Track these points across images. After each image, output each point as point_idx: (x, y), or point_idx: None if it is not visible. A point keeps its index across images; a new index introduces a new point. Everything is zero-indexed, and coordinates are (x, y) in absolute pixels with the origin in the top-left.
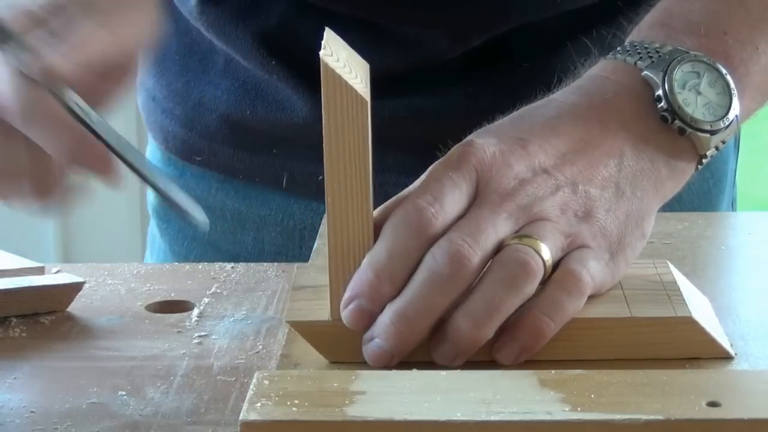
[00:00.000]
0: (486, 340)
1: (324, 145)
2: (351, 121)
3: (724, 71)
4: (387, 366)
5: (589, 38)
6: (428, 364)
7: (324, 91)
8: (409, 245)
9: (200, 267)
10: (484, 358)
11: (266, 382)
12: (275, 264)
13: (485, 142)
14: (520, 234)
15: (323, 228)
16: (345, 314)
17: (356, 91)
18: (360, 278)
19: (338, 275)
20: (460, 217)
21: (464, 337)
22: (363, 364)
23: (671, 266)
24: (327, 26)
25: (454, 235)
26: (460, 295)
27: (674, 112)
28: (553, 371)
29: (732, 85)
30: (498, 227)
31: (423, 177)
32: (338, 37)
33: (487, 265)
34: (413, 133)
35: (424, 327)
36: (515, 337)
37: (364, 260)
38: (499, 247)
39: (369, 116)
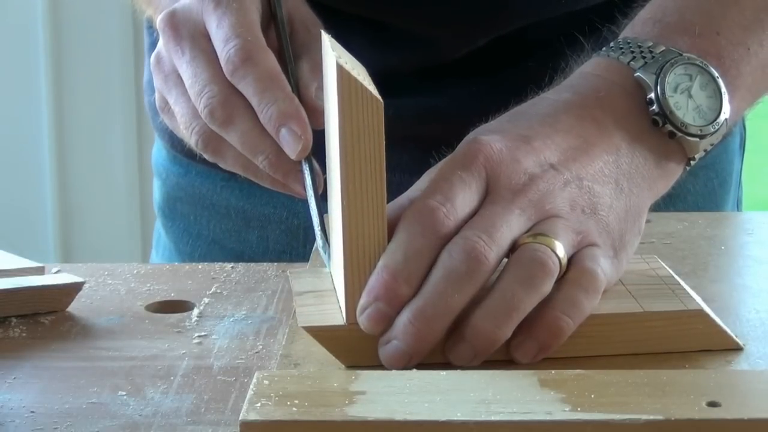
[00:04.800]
0: (504, 340)
1: (340, 148)
2: (367, 123)
3: (716, 74)
4: (405, 368)
5: (593, 37)
6: (440, 365)
7: (340, 95)
8: (424, 246)
9: (200, 267)
10: (499, 358)
11: (266, 382)
12: (275, 264)
13: (490, 139)
14: (535, 232)
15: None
16: (363, 319)
17: (371, 93)
18: (377, 281)
19: (354, 278)
20: (472, 216)
21: (483, 337)
22: (381, 368)
23: (659, 260)
24: (333, 25)
25: (469, 233)
26: (477, 292)
27: (665, 116)
28: (553, 371)
29: (723, 89)
30: (512, 224)
31: (430, 176)
32: (336, 42)
33: (504, 265)
34: (417, 132)
35: (443, 325)
36: (533, 336)
37: (379, 263)
38: (514, 245)
39: (383, 118)
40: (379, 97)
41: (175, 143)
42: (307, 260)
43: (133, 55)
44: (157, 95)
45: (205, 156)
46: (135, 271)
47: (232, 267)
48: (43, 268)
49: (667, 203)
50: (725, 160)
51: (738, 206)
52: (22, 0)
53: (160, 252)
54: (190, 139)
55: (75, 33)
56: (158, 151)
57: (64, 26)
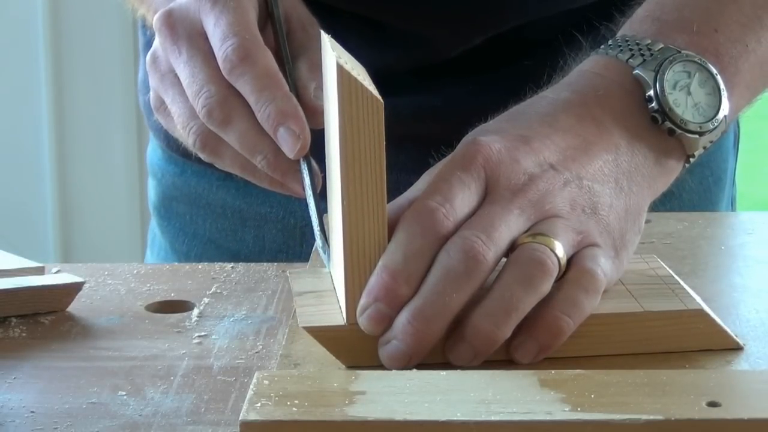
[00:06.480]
0: (504, 340)
1: (340, 148)
2: (367, 123)
3: (714, 71)
4: (405, 368)
5: (590, 35)
6: (440, 365)
7: (340, 95)
8: (423, 246)
9: (200, 267)
10: (499, 358)
11: (266, 382)
12: (275, 264)
13: (490, 140)
14: (534, 232)
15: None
16: (363, 319)
17: (371, 93)
18: (377, 282)
19: (354, 278)
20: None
21: (483, 337)
22: (381, 368)
23: (659, 260)
24: (330, 23)
25: (467, 233)
26: (476, 292)
27: (665, 113)
28: (553, 371)
29: (722, 86)
30: (510, 223)
31: (429, 177)
32: (336, 42)
33: (504, 265)
34: (415, 131)
35: (442, 325)
36: (534, 336)
37: (379, 263)
38: (513, 245)
39: (383, 118)
40: (380, 97)
41: (170, 142)
42: (304, 259)
43: (132, 55)
44: (152, 95)
45: (202, 156)
46: (135, 271)
47: (232, 267)
48: (43, 268)
49: (662, 201)
50: (720, 158)
51: (732, 204)
52: (22, 0)
53: (155, 251)
54: (188, 140)
55: (75, 33)
56: (153, 150)
57: (64, 26)
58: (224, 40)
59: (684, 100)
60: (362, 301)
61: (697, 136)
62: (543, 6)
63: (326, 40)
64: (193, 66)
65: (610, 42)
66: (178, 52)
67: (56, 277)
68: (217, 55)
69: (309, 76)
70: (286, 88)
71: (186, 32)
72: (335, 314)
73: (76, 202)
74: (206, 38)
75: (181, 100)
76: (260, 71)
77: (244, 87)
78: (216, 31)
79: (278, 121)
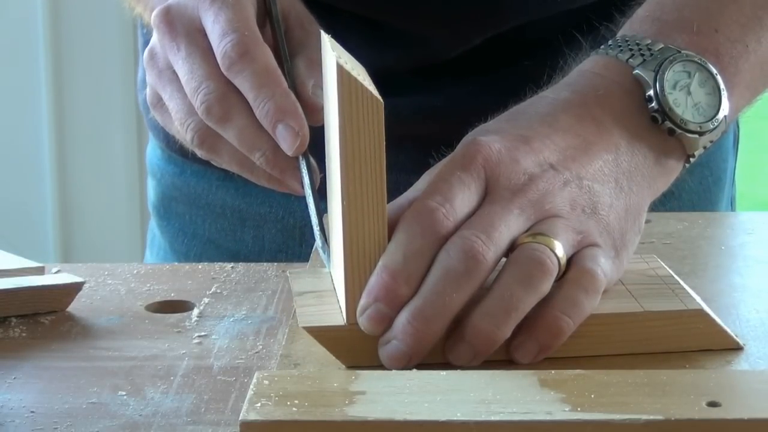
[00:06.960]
0: (504, 340)
1: (340, 148)
2: (367, 123)
3: (714, 71)
4: (405, 368)
5: (590, 35)
6: (440, 365)
7: (340, 95)
8: (423, 246)
9: (200, 267)
10: (499, 358)
11: (266, 382)
12: (275, 264)
13: (489, 140)
14: (534, 232)
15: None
16: (363, 320)
17: (371, 92)
18: (376, 282)
19: (354, 278)
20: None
21: (483, 337)
22: (381, 368)
23: (659, 260)
24: (329, 23)
25: (467, 233)
26: (476, 292)
27: (665, 113)
28: (553, 371)
29: (722, 86)
30: (510, 223)
31: (430, 178)
32: (336, 42)
33: (503, 264)
34: (414, 132)
35: (442, 325)
36: (533, 336)
37: (379, 264)
38: (513, 245)
39: (383, 118)
40: (379, 97)
41: (169, 141)
42: (303, 259)
43: (132, 55)
44: (149, 91)
45: (200, 154)
46: (135, 271)
47: (231, 267)
48: (43, 268)
49: (662, 201)
50: (719, 158)
51: (732, 204)
52: (22, 0)
53: (154, 252)
54: (186, 136)
55: (75, 33)
56: (153, 150)
57: (64, 26)
58: (223, 36)
59: (684, 100)
60: (362, 301)
61: (697, 135)
62: (543, 6)
63: (326, 40)
64: (192, 62)
65: (610, 42)
66: (176, 48)
67: (56, 277)
68: (215, 52)
69: (307, 73)
70: (285, 85)
71: (184, 28)
72: (335, 314)
73: (76, 202)
74: (205, 35)
75: (179, 96)
76: (259, 68)
77: (243, 83)
78: (215, 27)
79: (277, 118)
